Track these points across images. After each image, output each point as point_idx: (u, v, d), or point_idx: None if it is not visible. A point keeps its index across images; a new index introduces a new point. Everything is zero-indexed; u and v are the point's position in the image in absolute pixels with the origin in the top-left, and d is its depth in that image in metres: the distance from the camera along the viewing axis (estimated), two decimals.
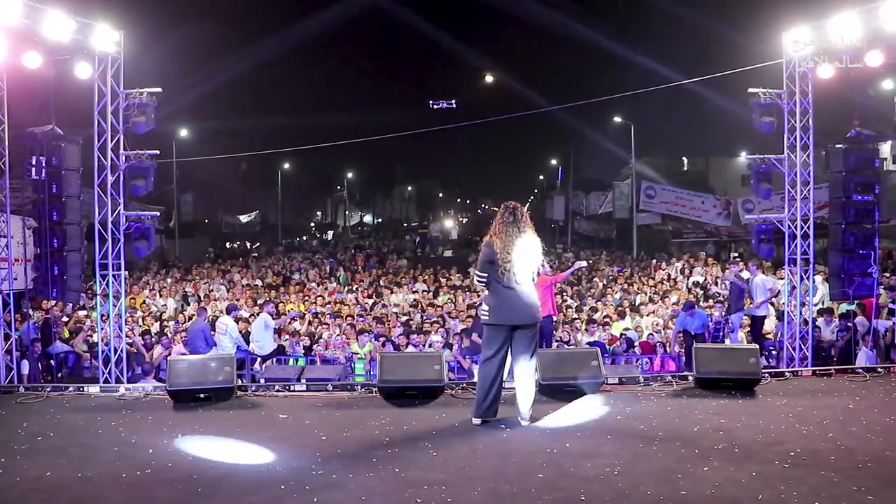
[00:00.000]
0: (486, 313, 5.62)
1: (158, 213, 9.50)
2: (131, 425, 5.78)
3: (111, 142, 9.06)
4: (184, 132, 27.27)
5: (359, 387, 6.64)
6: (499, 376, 5.60)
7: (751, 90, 9.35)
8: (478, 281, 5.71)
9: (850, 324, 10.83)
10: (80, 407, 6.30)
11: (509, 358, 5.61)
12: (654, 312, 12.66)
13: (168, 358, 7.05)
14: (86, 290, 11.48)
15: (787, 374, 7.10)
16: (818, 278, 11.98)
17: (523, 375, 5.61)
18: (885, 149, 25.61)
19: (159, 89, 9.15)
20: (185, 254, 26.94)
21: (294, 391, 6.62)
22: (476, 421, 5.56)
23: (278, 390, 6.63)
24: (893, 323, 10.21)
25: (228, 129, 29.46)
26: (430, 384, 6.22)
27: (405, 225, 51.03)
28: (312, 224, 48.07)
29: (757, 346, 7.02)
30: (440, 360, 6.37)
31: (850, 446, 5.03)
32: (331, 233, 42.84)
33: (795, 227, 9.38)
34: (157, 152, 9.26)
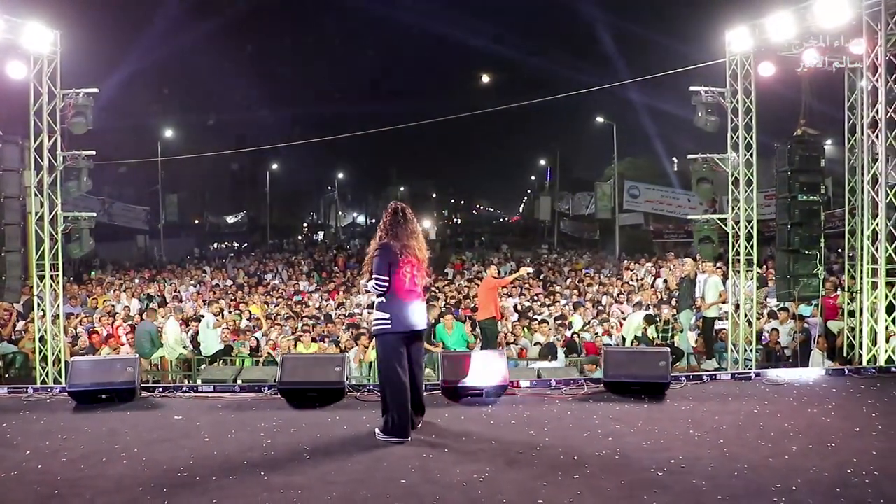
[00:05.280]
0: (387, 322, 5.17)
1: (95, 214, 9.48)
2: (22, 427, 5.74)
3: (48, 142, 9.08)
4: (169, 132, 27.38)
5: (266, 388, 6.58)
6: (409, 386, 5.29)
7: (693, 88, 9.24)
8: (378, 287, 5.17)
9: (805, 325, 10.68)
10: None
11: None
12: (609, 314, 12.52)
13: (71, 359, 7.02)
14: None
15: (704, 377, 6.96)
16: None
17: (417, 383, 5.46)
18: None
19: (96, 90, 9.16)
20: (172, 254, 27.07)
21: (200, 392, 6.57)
22: (407, 440, 5.14)
23: (185, 391, 6.59)
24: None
25: (214, 127, 29.59)
26: (331, 386, 6.15)
27: None
28: (305, 224, 48.15)
29: (668, 349, 6.89)
30: (342, 361, 6.29)
31: (735, 453, 4.89)
32: (321, 233, 42.86)
33: (739, 228, 9.25)
34: (94, 152, 9.27)
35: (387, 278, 5.17)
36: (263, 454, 5.01)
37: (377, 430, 5.25)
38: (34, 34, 8.57)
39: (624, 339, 10.67)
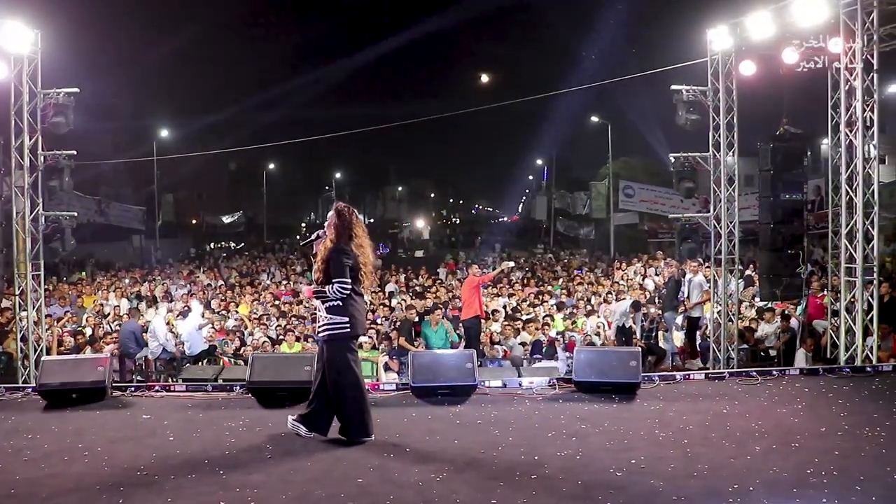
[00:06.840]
0: (346, 326, 5.10)
1: (77, 214, 9.48)
2: None
3: (29, 142, 9.07)
4: (164, 132, 27.43)
5: (238, 387, 6.57)
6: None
7: (674, 87, 9.20)
8: (342, 291, 5.05)
9: (791, 325, 10.63)
10: None
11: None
12: (595, 314, 12.49)
13: (43, 358, 7.03)
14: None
15: (677, 377, 6.93)
16: None
17: None
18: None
19: (76, 89, 9.14)
20: (168, 254, 27.10)
21: (173, 391, 6.57)
22: (371, 438, 5.15)
23: (157, 390, 6.59)
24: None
25: (210, 126, 29.60)
26: (300, 385, 6.14)
27: (396, 224, 51.13)
28: (303, 224, 48.15)
29: (639, 350, 6.87)
30: (311, 361, 6.28)
31: (698, 453, 4.88)
32: (319, 233, 42.81)
33: (720, 227, 9.20)
34: (75, 152, 9.25)
35: (349, 282, 5.11)
36: (225, 453, 5.01)
37: (339, 432, 5.21)
38: (14, 34, 8.55)
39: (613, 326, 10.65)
